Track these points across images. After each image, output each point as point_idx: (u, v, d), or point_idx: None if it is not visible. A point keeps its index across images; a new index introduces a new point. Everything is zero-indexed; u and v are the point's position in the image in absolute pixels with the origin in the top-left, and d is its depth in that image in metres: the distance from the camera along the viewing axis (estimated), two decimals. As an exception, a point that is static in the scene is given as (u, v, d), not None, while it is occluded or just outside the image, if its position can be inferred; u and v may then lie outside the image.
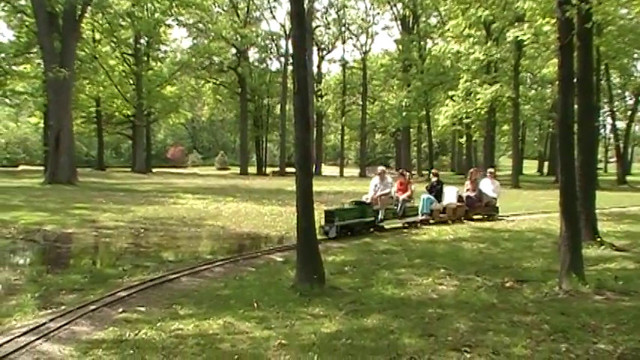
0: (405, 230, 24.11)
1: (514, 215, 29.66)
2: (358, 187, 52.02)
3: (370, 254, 18.36)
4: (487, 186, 28.45)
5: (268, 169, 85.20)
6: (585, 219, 17.92)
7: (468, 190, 27.91)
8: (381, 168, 25.57)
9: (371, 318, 11.11)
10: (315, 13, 79.77)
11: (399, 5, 78.44)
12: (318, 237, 16.31)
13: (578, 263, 13.48)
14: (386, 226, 23.13)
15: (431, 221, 25.33)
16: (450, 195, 27.35)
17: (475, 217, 27.07)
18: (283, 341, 9.74)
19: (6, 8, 58.37)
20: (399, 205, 23.92)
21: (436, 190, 26.91)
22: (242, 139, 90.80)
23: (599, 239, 19.26)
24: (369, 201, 23.09)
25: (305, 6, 15.60)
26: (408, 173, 27.53)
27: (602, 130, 69.49)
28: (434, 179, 28.20)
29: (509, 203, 36.27)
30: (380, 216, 22.72)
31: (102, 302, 12.45)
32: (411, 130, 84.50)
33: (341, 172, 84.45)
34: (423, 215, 24.98)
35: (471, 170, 32.16)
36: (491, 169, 32.70)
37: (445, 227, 24.90)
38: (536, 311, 11.49)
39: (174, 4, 72.54)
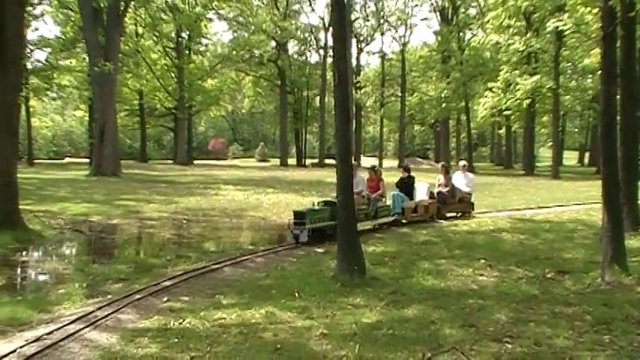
0: (443, 221, 23.98)
1: (556, 207, 29.40)
2: (397, 178, 51.89)
3: (410, 245, 18.30)
4: (460, 180, 25.55)
5: (308, 161, 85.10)
6: (627, 210, 17.69)
7: (440, 185, 24.91)
8: (353, 164, 22.81)
9: (411, 308, 11.09)
10: (354, 5, 79.57)
11: (438, -4, 78.31)
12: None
13: (620, 254, 13.31)
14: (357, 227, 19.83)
15: (403, 221, 22.59)
16: (422, 191, 24.23)
17: (448, 214, 24.51)
18: (324, 331, 9.75)
19: (53, 4, 58.65)
20: (371, 204, 21.14)
21: (407, 187, 23.69)
22: (282, 131, 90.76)
23: (641, 229, 19.09)
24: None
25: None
26: (379, 169, 23.81)
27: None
28: (404, 174, 24.52)
29: (551, 194, 36.12)
30: None
31: (147, 291, 12.55)
32: (450, 121, 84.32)
33: (380, 163, 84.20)
34: (394, 215, 22.18)
35: (443, 163, 29.69)
36: (463, 162, 30.39)
37: (484, 218, 24.82)
38: (578, 302, 11.38)
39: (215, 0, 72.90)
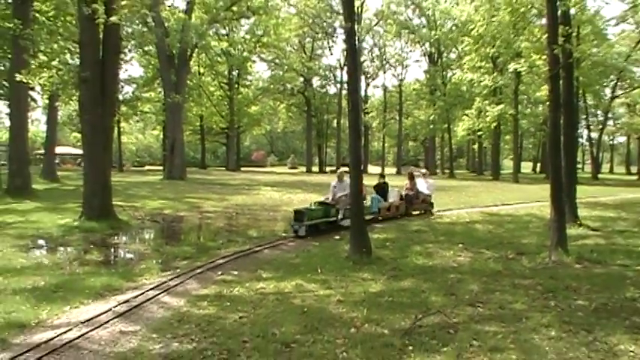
0: (429, 215, 23.96)
1: (516, 204, 29.33)
2: (395, 182, 51.81)
3: (405, 233, 18.27)
4: (422, 185, 24.64)
5: (327, 168, 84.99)
6: (569, 206, 17.82)
7: (407, 189, 24.04)
8: (340, 170, 21.93)
9: (406, 281, 11.17)
10: (363, 50, 79.46)
11: (427, 44, 77.96)
12: (284, 235, 16.98)
13: (563, 240, 13.50)
14: (345, 223, 18.58)
15: (379, 218, 21.62)
16: (394, 194, 23.42)
17: (414, 212, 23.58)
18: (340, 298, 9.82)
19: (139, 52, 59.08)
20: None
21: (382, 190, 22.96)
22: (308, 145, 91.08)
23: (578, 222, 19.25)
24: (330, 201, 19.64)
25: (356, 46, 15.60)
26: (362, 175, 23.31)
27: (580, 139, 69.01)
28: (381, 180, 23.55)
29: (512, 194, 36.01)
30: (340, 215, 19.13)
31: (206, 267, 12.65)
32: (436, 138, 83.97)
33: (382, 170, 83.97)
34: (373, 213, 21.07)
35: (409, 171, 27.61)
36: (423, 170, 29.87)
37: (462, 212, 24.78)
38: (532, 276, 11.49)
39: (257, 45, 72.89)
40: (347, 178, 18.95)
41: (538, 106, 61.82)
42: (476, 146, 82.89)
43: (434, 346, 7.31)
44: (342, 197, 19.14)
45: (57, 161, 50.17)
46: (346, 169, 17.56)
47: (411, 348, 7.25)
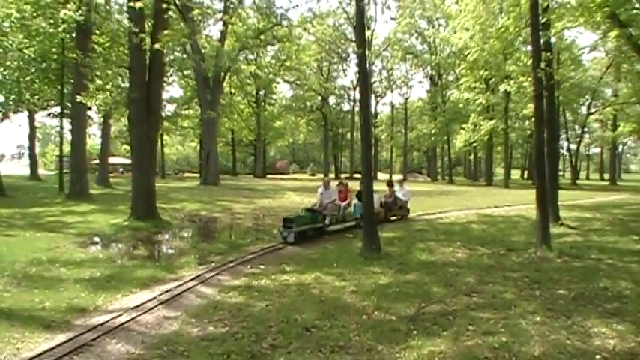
0: (432, 216, 23.88)
1: (507, 206, 29.20)
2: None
3: (410, 232, 18.17)
4: (399, 192, 22.98)
5: (342, 175, 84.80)
6: (552, 209, 17.76)
7: (386, 196, 22.29)
8: (326, 178, 20.82)
9: (411, 274, 11.16)
10: (373, 72, 79.42)
11: (429, 67, 77.82)
12: (272, 242, 15.58)
13: (547, 238, 13.51)
14: (332, 229, 17.96)
15: (361, 224, 17.73)
16: (375, 201, 19.84)
17: (392, 218, 21.83)
18: (354, 288, 9.85)
19: (179, 75, 59.53)
20: (340, 211, 18.65)
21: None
22: (325, 155, 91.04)
23: (560, 222, 19.16)
24: (317, 208, 18.00)
25: (367, 69, 15.65)
26: (347, 183, 20.97)
27: (561, 150, 69.01)
28: (362, 188, 22.69)
29: (503, 198, 35.82)
30: (327, 221, 17.67)
31: (237, 261, 12.70)
32: (437, 149, 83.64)
33: (390, 177, 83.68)
34: (355, 220, 19.29)
35: (389, 180, 25.78)
36: (399, 178, 28.18)
37: (459, 214, 24.67)
38: (520, 269, 11.46)
39: (281, 68, 73.06)
40: (333, 186, 19.35)
41: (525, 121, 61.50)
42: (472, 156, 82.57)
43: (435, 331, 7.32)
44: (329, 204, 18.10)
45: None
46: (331, 177, 17.02)
47: (415, 332, 7.28)
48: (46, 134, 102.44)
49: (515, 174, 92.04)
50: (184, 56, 46.81)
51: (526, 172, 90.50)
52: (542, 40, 14.99)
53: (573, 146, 76.39)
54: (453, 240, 16.02)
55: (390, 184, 23.21)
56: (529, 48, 20.57)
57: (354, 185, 21.05)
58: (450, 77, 77.51)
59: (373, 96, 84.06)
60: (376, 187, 16.12)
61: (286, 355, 6.48)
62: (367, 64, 16.01)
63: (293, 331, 7.36)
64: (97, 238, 16.63)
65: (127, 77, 22.53)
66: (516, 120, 64.53)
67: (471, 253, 13.93)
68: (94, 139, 73.29)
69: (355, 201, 19.69)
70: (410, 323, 7.65)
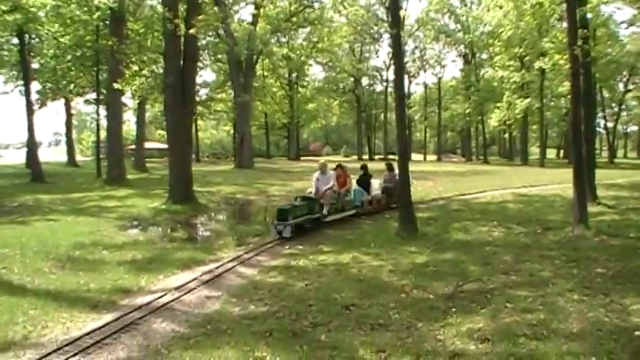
0: (468, 196, 23.77)
1: (543, 185, 28.93)
2: (437, 168, 51.56)
3: (446, 212, 18.15)
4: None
5: (376, 156, 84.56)
6: (588, 187, 17.49)
7: (386, 180, 19.97)
8: (322, 161, 17.93)
9: (448, 253, 11.19)
10: (406, 53, 78.90)
11: (462, 46, 77.07)
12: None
13: (584, 216, 13.36)
14: (330, 219, 15.75)
15: (360, 212, 17.59)
16: (376, 186, 19.53)
17: (393, 205, 18.54)
18: (391, 268, 9.93)
19: (212, 59, 59.79)
20: (339, 198, 16.38)
21: (365, 183, 19.10)
22: (358, 136, 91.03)
23: (597, 201, 18.92)
24: (313, 195, 15.78)
25: (401, 49, 15.53)
26: (345, 166, 18.24)
27: (598, 129, 67.87)
28: (361, 172, 19.66)
29: (539, 177, 35.50)
30: (324, 211, 15.41)
31: (274, 243, 12.84)
32: (471, 129, 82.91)
33: (424, 157, 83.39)
34: (355, 208, 17.40)
35: (387, 162, 22.56)
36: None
37: (495, 193, 24.54)
38: (557, 248, 11.39)
39: (313, 51, 72.97)
40: (330, 170, 16.81)
41: (561, 99, 60.59)
42: (506, 135, 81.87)
43: (473, 309, 7.38)
44: (327, 191, 15.72)
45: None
46: (327, 159, 15.93)
47: (453, 310, 7.34)
48: (82, 121, 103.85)
49: (551, 153, 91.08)
50: (217, 40, 47.09)
51: (562, 151, 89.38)
52: (578, 16, 14.76)
53: (610, 124, 75.35)
54: (489, 219, 15.95)
55: (390, 166, 20.65)
56: (565, 24, 20.26)
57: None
58: (484, 56, 76.63)
59: (406, 76, 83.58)
60: (411, 167, 16.01)
61: (327, 333, 6.59)
62: (401, 44, 15.92)
63: (333, 310, 7.48)
64: (136, 222, 16.96)
65: (162, 63, 22.80)
66: (552, 98, 63.54)
67: (508, 232, 13.87)
68: (128, 124, 74.27)
69: (356, 187, 18.26)
70: (448, 301, 7.71)
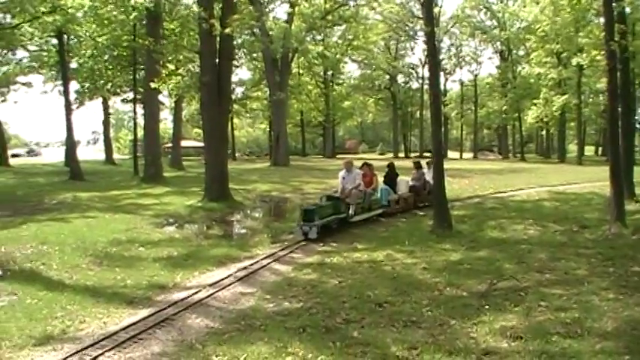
0: (503, 194, 23.57)
1: (580, 183, 28.53)
2: (473, 165, 51.17)
3: (481, 210, 18.10)
4: (428, 175, 18.99)
5: (411, 154, 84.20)
6: (627, 185, 17.19)
7: (413, 179, 19.41)
8: (348, 159, 17.70)
9: (482, 251, 11.15)
10: (441, 49, 78.59)
11: (498, 43, 76.39)
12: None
13: (621, 215, 13.14)
14: (356, 219, 15.13)
15: (387, 211, 16.94)
16: (403, 185, 18.88)
17: (421, 204, 18.57)
18: (425, 265, 9.93)
19: (247, 58, 60.19)
20: (365, 197, 15.70)
21: (391, 181, 18.62)
22: (394, 134, 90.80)
23: (635, 199, 18.55)
24: (338, 194, 15.24)
25: (436, 46, 15.47)
26: (372, 164, 17.63)
27: (637, 125, 66.53)
28: (388, 170, 19.21)
29: (576, 175, 35.03)
30: (351, 211, 14.85)
31: (309, 240, 12.87)
32: (508, 126, 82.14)
33: (460, 155, 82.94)
34: (382, 207, 16.81)
35: (415, 160, 22.45)
36: (428, 160, 23.67)
37: (531, 191, 24.29)
38: (593, 247, 11.26)
39: (349, 48, 72.98)
40: (356, 169, 16.25)
41: (599, 95, 59.69)
42: (544, 132, 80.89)
43: (507, 306, 7.34)
44: (353, 190, 15.12)
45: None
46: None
47: (487, 307, 7.31)
48: (120, 119, 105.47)
49: (589, 150, 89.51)
50: (252, 39, 47.39)
51: (600, 149, 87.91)
52: (615, 12, 14.55)
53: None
54: (524, 217, 15.81)
55: (417, 165, 20.29)
56: (602, 20, 19.96)
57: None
58: (521, 52, 75.80)
59: (442, 73, 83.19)
60: (447, 165, 15.94)
61: (360, 330, 6.63)
62: (435, 42, 15.85)
63: (366, 307, 7.51)
64: (172, 219, 17.21)
65: (198, 61, 23.05)
66: (590, 94, 62.60)
67: (543, 230, 13.75)
68: (165, 123, 75.19)
69: (382, 186, 17.82)
70: (481, 299, 7.69)
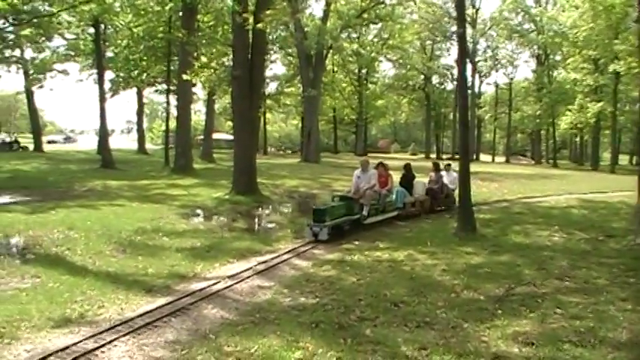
0: (532, 199, 23.35)
1: (610, 192, 28.08)
2: (505, 170, 50.70)
3: (507, 215, 17.94)
4: (445, 178, 19.13)
5: (444, 155, 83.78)
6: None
7: (431, 182, 18.87)
8: (364, 159, 16.90)
9: (504, 256, 11.08)
10: (477, 51, 78.01)
11: (535, 47, 75.57)
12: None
13: (647, 225, 12.90)
14: (370, 221, 14.50)
15: (402, 214, 16.37)
16: (420, 187, 18.25)
17: (438, 208, 18.34)
18: (445, 267, 9.91)
19: (282, 54, 60.46)
20: (380, 199, 15.11)
21: (408, 183, 17.90)
22: (427, 135, 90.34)
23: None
24: (352, 194, 14.72)
25: (469, 49, 15.41)
26: (387, 164, 16.87)
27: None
28: (404, 172, 18.53)
29: (608, 184, 34.51)
30: (364, 212, 14.25)
31: (332, 237, 12.89)
32: (542, 131, 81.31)
33: (492, 158, 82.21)
34: (397, 210, 16.22)
35: (434, 162, 22.23)
36: (448, 162, 22.56)
37: (560, 198, 24.02)
38: (617, 256, 11.07)
39: (384, 47, 72.81)
40: (372, 169, 15.74)
41: (636, 104, 58.87)
42: (578, 139, 79.93)
43: (522, 312, 7.30)
44: (368, 191, 14.55)
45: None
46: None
47: (502, 312, 7.28)
48: (154, 110, 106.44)
49: (624, 159, 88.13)
50: (285, 34, 47.53)
51: (635, 158, 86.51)
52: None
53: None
54: (550, 224, 15.61)
55: (436, 166, 19.71)
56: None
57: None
58: (558, 57, 74.88)
59: (477, 75, 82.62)
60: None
61: (372, 328, 6.66)
62: (469, 43, 15.79)
63: (381, 306, 7.54)
64: (198, 211, 17.43)
65: (231, 55, 23.22)
66: (626, 102, 61.65)
67: (568, 237, 13.58)
68: (199, 115, 75.70)
69: (398, 187, 17.13)
70: (497, 303, 7.64)
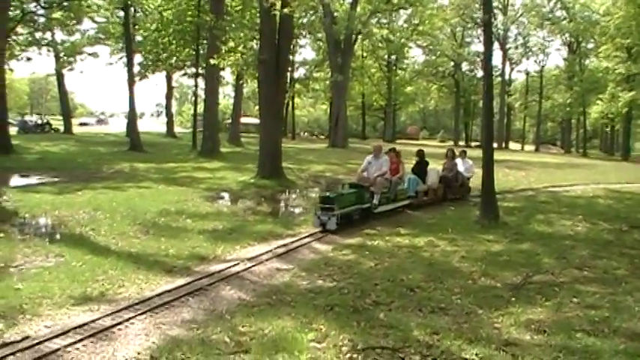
0: (559, 188, 23.12)
1: (638, 184, 27.71)
2: (534, 158, 50.20)
3: (532, 203, 17.81)
4: (460, 166, 18.48)
5: (473, 143, 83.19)
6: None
7: (445, 169, 18.17)
8: (377, 144, 16.59)
9: (525, 244, 11.06)
10: (508, 39, 77.22)
11: (567, 35, 74.59)
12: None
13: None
14: (381, 210, 13.92)
15: (415, 203, 15.69)
16: (433, 175, 17.30)
17: (452, 197, 17.65)
18: (464, 254, 9.93)
19: (311, 39, 60.51)
20: (391, 187, 14.46)
21: (421, 171, 17.05)
22: (456, 122, 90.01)
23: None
24: (356, 180, 14.22)
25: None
26: (399, 150, 16.46)
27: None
28: (418, 158, 17.76)
29: (636, 174, 34.04)
30: (375, 200, 13.57)
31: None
32: (572, 120, 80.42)
33: (522, 147, 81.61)
34: (410, 198, 15.55)
35: (448, 148, 21.83)
36: (464, 149, 21.60)
37: (587, 188, 23.75)
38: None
39: (414, 33, 72.28)
40: (385, 155, 15.01)
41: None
42: (608, 129, 78.72)
43: (537, 300, 7.29)
44: (379, 178, 13.87)
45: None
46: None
47: (517, 300, 7.27)
48: (184, 93, 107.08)
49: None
50: (315, 19, 47.43)
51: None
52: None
53: None
54: (574, 213, 15.47)
55: (451, 153, 19.11)
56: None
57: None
58: (590, 45, 73.78)
59: (508, 63, 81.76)
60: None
61: (386, 312, 6.70)
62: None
63: (397, 291, 7.58)
64: (223, 194, 17.63)
65: (258, 39, 23.30)
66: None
67: (592, 227, 13.48)
68: (228, 99, 76.01)
69: (410, 175, 16.45)
70: (514, 291, 7.64)
